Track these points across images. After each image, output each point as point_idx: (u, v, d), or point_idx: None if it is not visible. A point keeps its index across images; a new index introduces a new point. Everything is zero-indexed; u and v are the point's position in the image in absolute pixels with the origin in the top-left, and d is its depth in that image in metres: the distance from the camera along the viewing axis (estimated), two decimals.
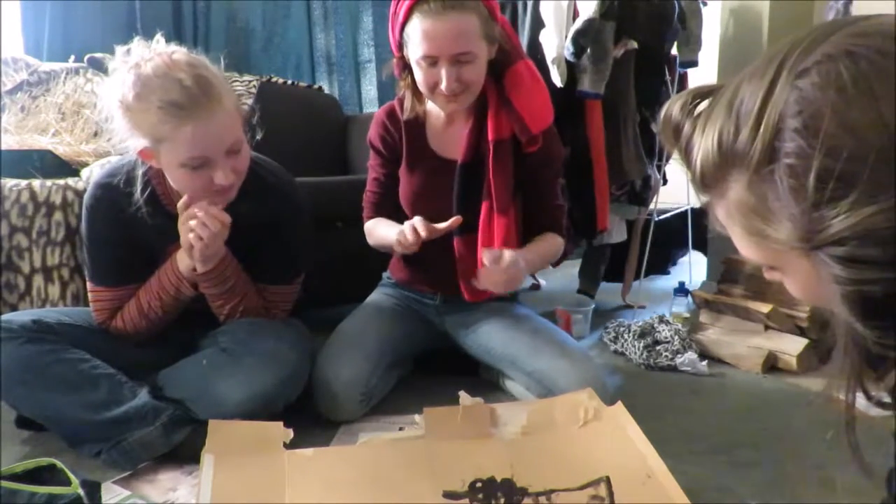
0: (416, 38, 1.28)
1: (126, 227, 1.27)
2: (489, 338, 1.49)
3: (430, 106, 1.46)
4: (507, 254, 1.27)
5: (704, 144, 0.56)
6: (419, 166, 1.48)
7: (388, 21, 1.35)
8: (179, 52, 1.15)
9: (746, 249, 0.59)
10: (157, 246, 1.31)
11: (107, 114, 1.17)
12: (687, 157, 0.59)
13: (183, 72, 1.11)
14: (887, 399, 0.55)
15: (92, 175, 1.56)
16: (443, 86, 1.30)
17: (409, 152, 1.48)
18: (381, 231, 1.47)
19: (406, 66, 1.37)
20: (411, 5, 1.27)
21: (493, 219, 1.41)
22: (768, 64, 0.53)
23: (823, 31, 0.51)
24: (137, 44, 1.16)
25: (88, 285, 1.33)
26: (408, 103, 1.43)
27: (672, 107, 0.60)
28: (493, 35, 1.33)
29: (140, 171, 1.25)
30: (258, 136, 1.28)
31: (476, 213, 1.42)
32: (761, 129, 0.51)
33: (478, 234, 1.41)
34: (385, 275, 1.69)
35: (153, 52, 1.14)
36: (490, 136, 1.40)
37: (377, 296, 1.64)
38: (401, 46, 1.35)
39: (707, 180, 0.57)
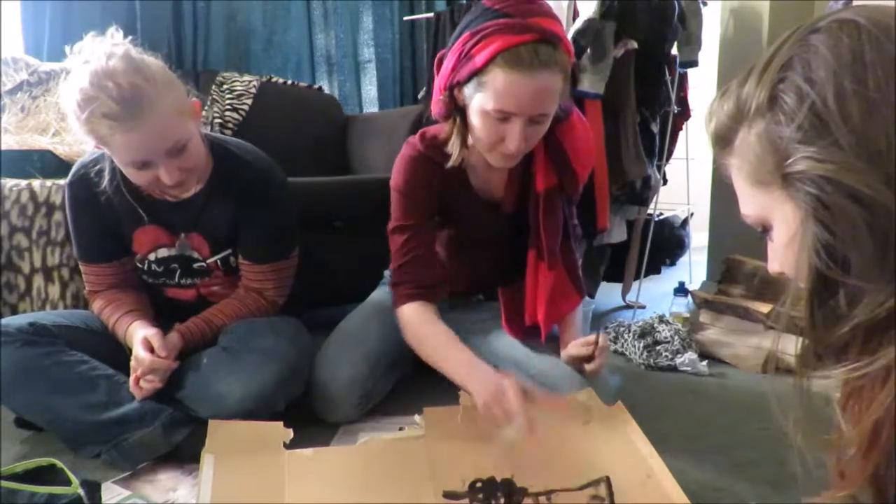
0: (496, 89, 1.12)
1: (102, 207, 1.32)
2: (492, 338, 1.49)
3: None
4: (601, 338, 1.26)
5: (722, 104, 0.62)
6: (462, 206, 1.38)
7: (451, 56, 1.19)
8: (117, 54, 1.14)
9: (746, 202, 0.63)
10: (128, 225, 1.34)
11: (64, 112, 1.21)
12: (709, 126, 0.65)
13: (112, 80, 1.11)
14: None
15: None
16: (511, 145, 1.16)
17: (451, 191, 1.36)
18: (436, 347, 1.25)
19: (457, 109, 1.22)
20: (497, 52, 1.10)
21: (539, 271, 1.34)
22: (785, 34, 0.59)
23: (838, 10, 0.57)
24: (89, 40, 1.17)
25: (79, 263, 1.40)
26: (455, 150, 1.26)
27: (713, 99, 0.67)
28: (566, 92, 1.21)
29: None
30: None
31: (520, 262, 1.37)
32: (767, 74, 0.58)
33: (523, 283, 1.37)
34: (387, 272, 1.68)
35: (96, 54, 1.14)
36: (539, 186, 1.32)
37: (379, 294, 1.63)
38: (454, 86, 1.19)
39: (722, 133, 0.63)
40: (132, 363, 1.20)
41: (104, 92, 1.10)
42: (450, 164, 1.27)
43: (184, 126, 1.19)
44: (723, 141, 0.63)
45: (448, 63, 1.20)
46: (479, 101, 1.16)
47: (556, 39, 1.13)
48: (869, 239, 0.52)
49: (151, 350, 1.20)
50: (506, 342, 1.45)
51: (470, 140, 1.25)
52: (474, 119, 1.19)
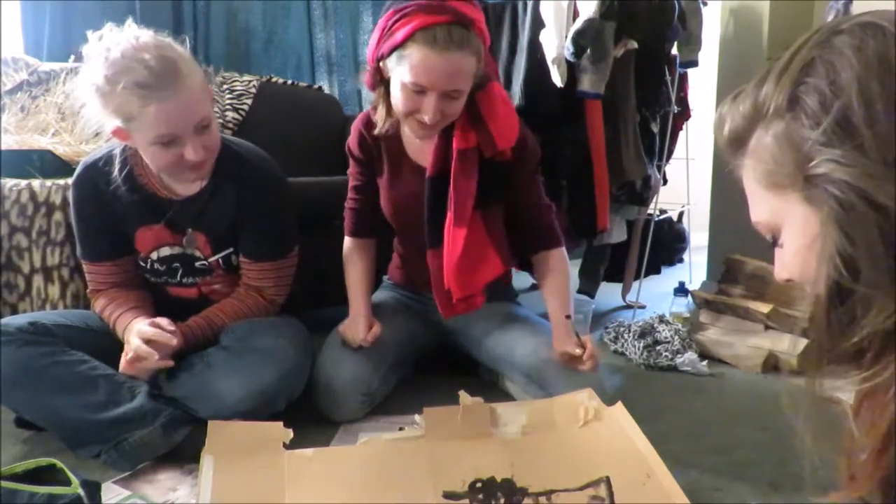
0: (412, 64, 1.23)
1: (107, 206, 1.32)
2: (488, 338, 1.50)
3: None
4: (587, 340, 1.31)
5: (737, 105, 0.62)
6: (398, 174, 1.47)
7: (376, 31, 1.29)
8: (145, 34, 1.19)
9: (757, 206, 0.63)
10: (131, 223, 1.35)
11: (81, 99, 1.20)
12: (721, 128, 0.64)
13: (147, 52, 1.15)
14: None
15: None
16: (426, 117, 1.27)
17: (388, 161, 1.47)
18: (349, 279, 1.50)
19: (383, 80, 1.33)
20: (415, 30, 1.21)
21: (452, 230, 1.38)
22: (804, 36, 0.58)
23: (860, 14, 0.57)
24: (109, 29, 1.19)
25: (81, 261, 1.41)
26: (380, 117, 1.38)
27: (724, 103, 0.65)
28: (480, 73, 1.31)
29: (118, 153, 1.30)
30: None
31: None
32: (787, 75, 0.57)
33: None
34: (385, 278, 1.70)
35: (122, 36, 1.17)
36: (455, 145, 1.38)
37: (381, 295, 1.65)
38: (380, 59, 1.30)
39: (736, 135, 0.62)
40: (126, 348, 1.22)
41: (139, 63, 1.13)
42: (376, 131, 1.40)
43: (208, 104, 1.23)
44: (736, 143, 0.62)
45: (374, 38, 1.30)
46: (398, 73, 1.26)
47: (468, 23, 1.24)
48: (881, 246, 0.52)
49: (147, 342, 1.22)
50: (501, 341, 1.47)
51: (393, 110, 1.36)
52: (394, 90, 1.29)
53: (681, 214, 3.05)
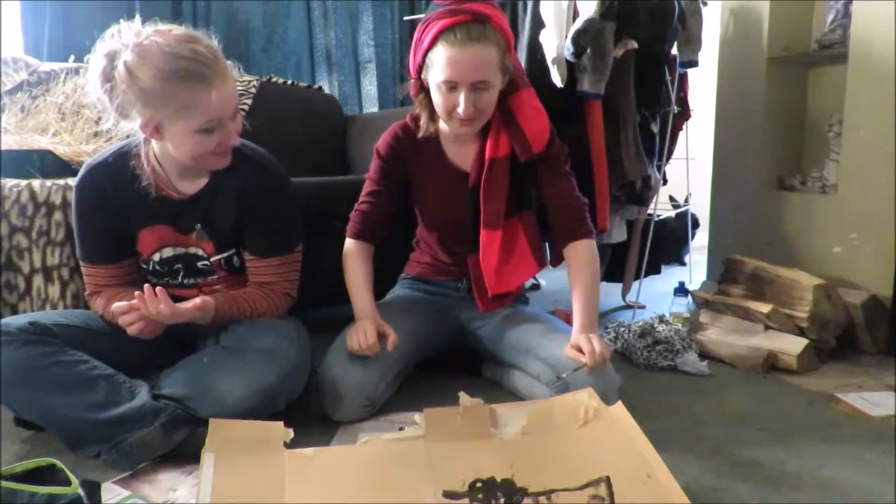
0: (440, 64, 1.34)
1: (110, 208, 1.33)
2: (505, 326, 1.54)
3: (443, 124, 1.49)
4: (595, 340, 1.33)
5: None
6: (436, 176, 1.53)
7: (411, 46, 1.42)
8: (175, 28, 1.20)
9: None
10: (135, 224, 1.35)
11: (97, 95, 1.19)
12: None
13: (194, 43, 1.17)
14: None
15: None
16: (460, 110, 1.36)
17: (427, 162, 1.53)
18: (352, 281, 1.49)
19: (423, 88, 1.44)
20: (438, 33, 1.33)
21: (485, 234, 1.47)
22: None
23: None
24: (125, 26, 1.19)
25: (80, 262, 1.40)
26: (423, 122, 1.48)
27: None
28: (508, 67, 1.40)
29: (124, 154, 1.31)
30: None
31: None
32: None
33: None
34: (402, 276, 1.73)
35: (149, 32, 1.17)
36: (486, 155, 1.47)
37: (399, 292, 1.68)
38: (420, 69, 1.41)
39: None
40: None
41: (196, 53, 1.16)
42: (420, 134, 1.49)
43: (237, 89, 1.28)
44: None
45: (411, 51, 1.44)
46: (432, 77, 1.38)
47: (485, 19, 1.34)
48: None
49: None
50: (517, 329, 1.51)
51: (435, 115, 1.46)
52: (433, 94, 1.40)
53: (685, 203, 3.03)
